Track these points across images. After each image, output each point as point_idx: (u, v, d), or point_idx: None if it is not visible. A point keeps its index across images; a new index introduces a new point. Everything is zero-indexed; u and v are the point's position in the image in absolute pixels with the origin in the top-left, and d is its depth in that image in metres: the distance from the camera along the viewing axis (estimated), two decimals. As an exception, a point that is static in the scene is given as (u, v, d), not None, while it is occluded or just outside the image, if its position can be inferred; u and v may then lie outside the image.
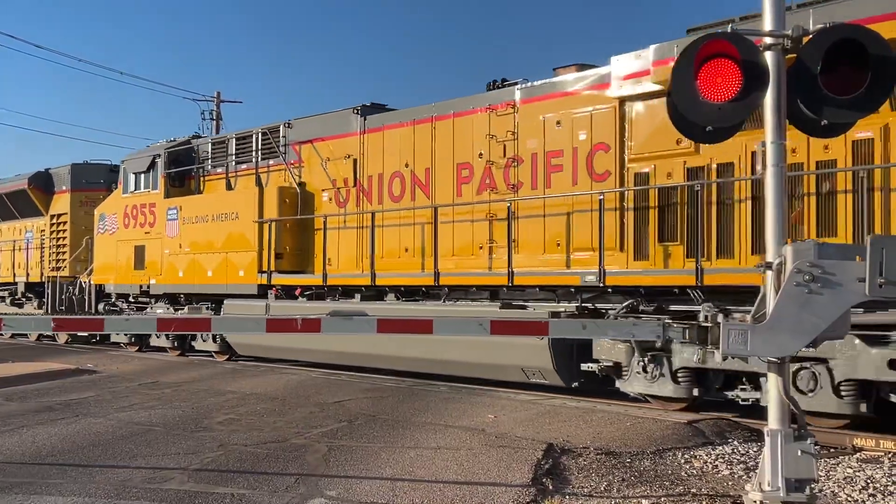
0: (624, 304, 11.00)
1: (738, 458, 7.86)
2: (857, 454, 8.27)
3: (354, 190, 15.22)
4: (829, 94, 5.37)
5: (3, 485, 6.67)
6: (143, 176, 19.28)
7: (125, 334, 19.60)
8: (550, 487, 6.67)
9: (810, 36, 5.44)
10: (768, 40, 5.50)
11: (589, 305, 11.61)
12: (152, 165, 18.96)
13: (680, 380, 10.27)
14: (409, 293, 14.23)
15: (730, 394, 9.98)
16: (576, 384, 11.62)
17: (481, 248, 13.19)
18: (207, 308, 17.36)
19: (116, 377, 14.25)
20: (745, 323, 5.31)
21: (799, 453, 5.23)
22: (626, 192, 11.36)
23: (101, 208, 20.98)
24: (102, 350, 20.01)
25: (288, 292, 16.02)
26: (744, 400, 9.84)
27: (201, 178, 18.76)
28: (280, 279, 15.94)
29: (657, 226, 10.97)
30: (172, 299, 18.54)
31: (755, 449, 8.15)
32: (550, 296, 12.30)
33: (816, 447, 5.33)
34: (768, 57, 5.48)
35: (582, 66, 12.32)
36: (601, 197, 11.32)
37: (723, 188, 10.34)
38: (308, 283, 15.61)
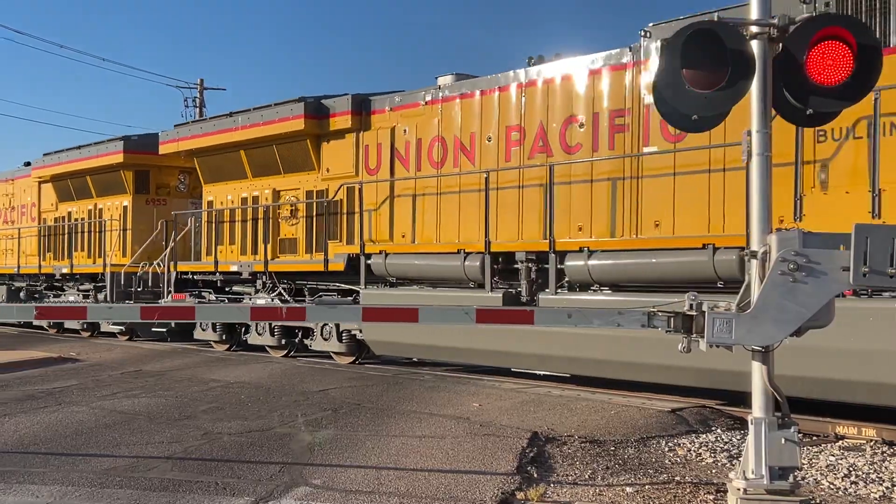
0: None
1: (722, 446, 7.90)
2: (840, 442, 8.32)
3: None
4: (814, 83, 5.38)
5: (-16, 474, 6.63)
6: None
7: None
8: (535, 475, 6.68)
9: (796, 24, 5.44)
10: (754, 29, 5.50)
11: None
12: None
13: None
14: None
15: None
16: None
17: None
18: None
19: (100, 366, 14.18)
20: (729, 312, 5.33)
21: (783, 441, 5.24)
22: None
23: None
24: (86, 339, 19.89)
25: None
26: None
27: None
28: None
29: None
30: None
31: (738, 437, 8.20)
32: None
33: (799, 435, 5.35)
34: (754, 46, 5.48)
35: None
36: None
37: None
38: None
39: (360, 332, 13.74)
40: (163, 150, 18.62)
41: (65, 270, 21.57)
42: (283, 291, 15.53)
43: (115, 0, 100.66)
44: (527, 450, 7.49)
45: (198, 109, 36.55)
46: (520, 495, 6.09)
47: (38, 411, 9.55)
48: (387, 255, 13.78)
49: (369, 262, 13.98)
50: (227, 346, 16.79)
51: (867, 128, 8.83)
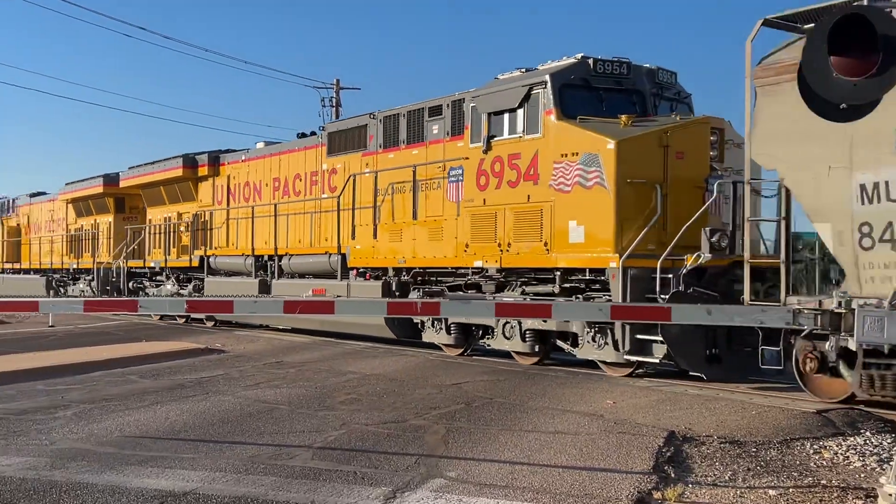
0: None
1: (871, 449, 7.53)
2: None
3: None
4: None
5: (140, 458, 7.02)
6: None
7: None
8: (672, 475, 6.55)
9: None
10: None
11: None
12: None
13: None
14: None
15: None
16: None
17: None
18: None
19: (243, 356, 14.78)
20: (881, 309, 5.08)
21: (939, 447, 4.99)
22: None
23: None
24: (230, 330, 20.77)
25: None
26: None
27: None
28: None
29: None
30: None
31: (890, 440, 7.80)
32: None
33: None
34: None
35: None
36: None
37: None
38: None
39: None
40: (122, 184, 26.75)
41: (75, 266, 29.89)
42: (175, 281, 23.73)
43: (257, 3, 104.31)
44: (663, 449, 7.36)
45: (334, 109, 37.44)
46: (657, 495, 5.99)
47: (187, 400, 10.04)
48: (216, 256, 22.12)
49: (210, 260, 22.24)
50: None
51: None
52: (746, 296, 9.69)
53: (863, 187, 8.78)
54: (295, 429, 8.27)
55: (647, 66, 13.69)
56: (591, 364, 12.69)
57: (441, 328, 14.81)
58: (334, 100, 37.89)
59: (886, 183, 8.53)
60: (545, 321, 12.44)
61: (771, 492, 6.09)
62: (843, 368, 9.45)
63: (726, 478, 6.50)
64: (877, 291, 8.30)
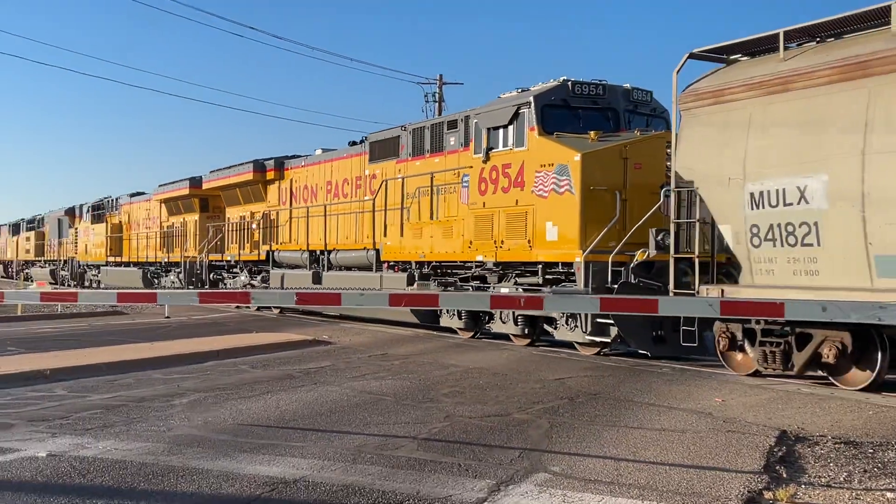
0: None
1: None
2: None
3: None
4: None
5: (252, 446, 7.24)
6: None
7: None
8: (784, 475, 6.37)
9: None
10: None
11: None
12: None
13: None
14: None
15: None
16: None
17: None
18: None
19: (349, 348, 15.07)
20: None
21: None
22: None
23: None
24: (336, 322, 21.19)
25: None
26: None
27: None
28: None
29: None
30: None
31: None
32: None
33: None
34: None
35: None
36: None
37: None
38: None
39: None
40: (205, 186, 29.49)
41: (166, 259, 32.61)
42: (248, 273, 26.51)
43: (361, 2, 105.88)
44: (775, 448, 7.16)
45: (437, 104, 37.67)
46: (767, 495, 5.84)
47: (296, 389, 10.30)
48: (279, 251, 24.46)
49: (274, 254, 24.68)
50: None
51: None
52: (671, 284, 11.86)
53: (752, 195, 10.84)
54: (400, 420, 8.38)
55: (624, 86, 15.60)
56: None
57: (454, 315, 17.06)
58: (437, 95, 38.12)
59: (767, 192, 10.63)
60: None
61: (889, 494, 5.85)
62: (747, 346, 11.38)
63: (841, 479, 6.28)
64: (764, 281, 10.79)
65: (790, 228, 10.47)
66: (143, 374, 11.66)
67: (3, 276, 61.51)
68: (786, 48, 10.94)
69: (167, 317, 22.54)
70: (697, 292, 11.35)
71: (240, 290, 10.18)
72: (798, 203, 10.31)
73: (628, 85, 15.61)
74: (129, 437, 7.53)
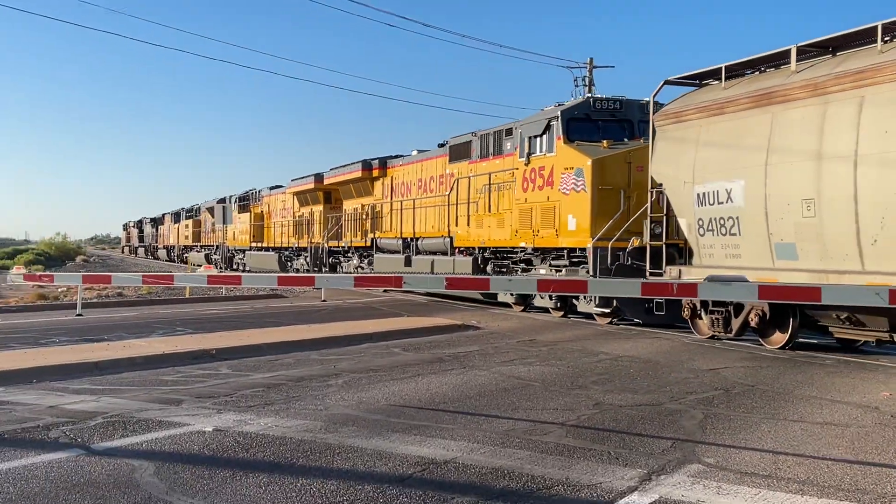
0: None
1: None
2: None
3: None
4: None
5: (404, 426, 7.41)
6: None
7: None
8: (960, 476, 5.97)
9: None
10: None
11: None
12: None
13: None
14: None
15: None
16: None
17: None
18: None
19: (497, 334, 15.15)
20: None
21: None
22: None
23: None
24: (485, 308, 21.36)
25: None
26: None
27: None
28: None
29: None
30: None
31: None
32: None
33: None
34: None
35: None
36: None
37: None
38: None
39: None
40: (326, 182, 32.64)
41: (296, 245, 36.36)
42: (358, 257, 29.86)
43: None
44: (949, 447, 6.73)
45: (587, 88, 37.13)
46: (941, 496, 5.49)
47: (445, 373, 10.46)
48: (380, 238, 27.59)
49: (377, 241, 27.77)
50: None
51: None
52: (647, 266, 15.18)
53: (699, 195, 13.83)
54: (548, 406, 8.38)
55: (642, 100, 18.22)
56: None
57: (509, 293, 20.52)
58: (587, 79, 37.59)
59: (708, 193, 13.63)
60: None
61: None
62: (703, 314, 14.33)
63: None
64: (708, 262, 13.80)
65: (722, 221, 13.41)
66: (302, 354, 12.13)
67: (166, 260, 66.01)
68: (727, 79, 13.76)
69: (323, 300, 23.33)
70: (664, 272, 14.71)
71: (392, 275, 10.51)
72: (726, 202, 13.27)
73: (645, 99, 17.59)
74: (289, 415, 7.86)
